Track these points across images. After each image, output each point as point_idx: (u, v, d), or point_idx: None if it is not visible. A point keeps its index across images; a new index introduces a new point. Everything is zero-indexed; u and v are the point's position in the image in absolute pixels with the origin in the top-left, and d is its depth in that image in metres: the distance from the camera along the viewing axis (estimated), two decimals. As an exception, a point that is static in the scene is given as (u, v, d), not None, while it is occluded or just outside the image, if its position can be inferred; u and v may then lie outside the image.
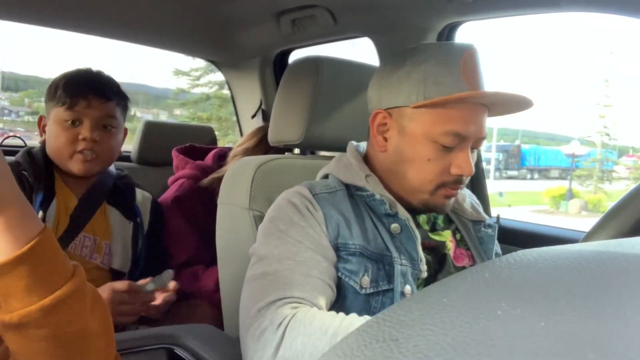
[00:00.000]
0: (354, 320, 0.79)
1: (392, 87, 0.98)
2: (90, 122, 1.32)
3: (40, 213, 1.27)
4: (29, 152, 1.38)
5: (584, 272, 0.30)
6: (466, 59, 0.93)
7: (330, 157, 1.16)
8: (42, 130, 1.40)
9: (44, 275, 0.56)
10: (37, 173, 1.32)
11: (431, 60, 0.94)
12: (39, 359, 0.57)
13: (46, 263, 0.56)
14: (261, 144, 1.68)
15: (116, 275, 1.40)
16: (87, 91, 1.32)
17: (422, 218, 1.04)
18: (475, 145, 0.98)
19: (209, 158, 1.82)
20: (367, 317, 0.80)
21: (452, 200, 1.00)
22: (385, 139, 1.00)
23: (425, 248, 0.98)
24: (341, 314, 0.81)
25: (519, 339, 0.24)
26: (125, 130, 1.47)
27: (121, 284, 1.20)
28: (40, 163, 1.34)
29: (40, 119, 1.42)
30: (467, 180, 1.00)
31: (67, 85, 1.32)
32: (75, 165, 1.33)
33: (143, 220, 1.51)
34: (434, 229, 1.05)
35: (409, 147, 0.96)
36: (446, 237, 1.04)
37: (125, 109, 1.43)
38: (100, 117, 1.34)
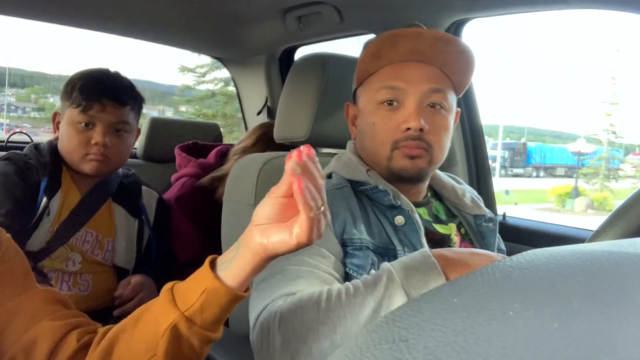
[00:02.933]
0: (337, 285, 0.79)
1: (354, 78, 1.07)
2: (103, 127, 1.33)
3: (45, 199, 1.29)
4: (36, 146, 1.40)
5: (597, 273, 0.30)
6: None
7: (335, 155, 1.16)
8: (56, 127, 1.41)
9: (223, 318, 0.68)
10: (42, 162, 1.34)
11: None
12: None
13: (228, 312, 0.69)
14: (259, 143, 1.68)
15: (120, 272, 1.41)
16: (103, 95, 1.32)
17: (423, 210, 1.04)
18: (431, 98, 0.96)
19: (212, 156, 1.82)
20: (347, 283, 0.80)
21: (421, 162, 0.96)
22: (357, 127, 1.07)
23: (429, 241, 0.97)
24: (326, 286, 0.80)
25: (531, 341, 0.23)
26: (138, 130, 1.48)
27: None
28: (45, 154, 1.36)
29: (55, 115, 1.42)
30: (435, 143, 0.96)
31: (83, 88, 1.32)
32: (86, 166, 1.34)
33: (149, 218, 1.51)
34: (437, 221, 1.05)
35: (363, 121, 1.02)
36: (451, 230, 1.04)
37: (139, 111, 1.44)
38: (114, 122, 1.35)
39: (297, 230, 0.61)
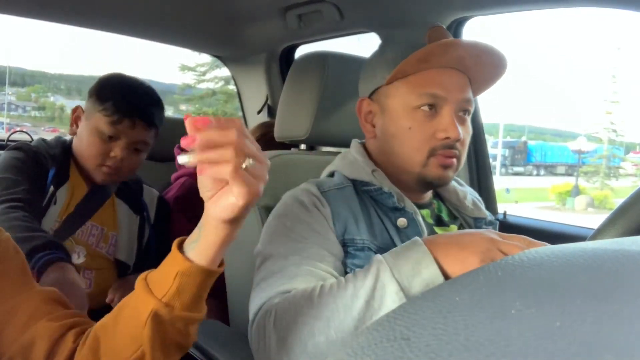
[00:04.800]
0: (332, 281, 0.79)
1: (369, 74, 1.03)
2: (125, 143, 1.33)
3: (52, 188, 1.30)
4: (44, 139, 1.42)
5: (599, 271, 0.29)
6: (431, 33, 0.97)
7: (336, 153, 1.15)
8: (74, 122, 1.39)
9: (203, 296, 0.68)
10: (50, 154, 1.34)
11: (399, 40, 1.00)
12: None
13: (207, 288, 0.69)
14: (259, 142, 1.67)
15: (121, 266, 1.42)
16: (136, 114, 1.32)
17: (426, 212, 1.03)
18: (463, 107, 0.97)
19: None
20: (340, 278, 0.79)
21: (451, 171, 0.98)
22: (373, 126, 1.03)
23: None
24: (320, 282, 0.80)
25: (534, 339, 0.23)
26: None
27: None
28: (54, 147, 1.37)
29: (76, 109, 1.40)
30: (463, 150, 0.98)
31: (119, 101, 1.31)
32: (98, 176, 1.35)
33: (150, 215, 1.53)
34: (439, 223, 1.05)
35: (392, 123, 0.98)
36: (452, 231, 1.04)
37: (158, 133, 1.44)
38: (137, 141, 1.35)
39: (236, 191, 0.59)
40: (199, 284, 0.66)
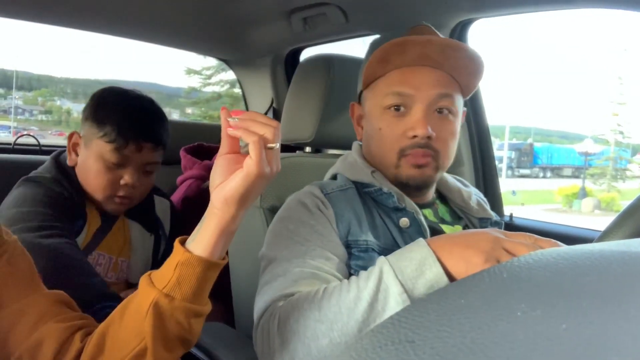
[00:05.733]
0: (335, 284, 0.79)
1: (359, 80, 1.06)
2: (135, 168, 1.22)
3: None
4: (66, 173, 1.24)
5: (606, 273, 0.29)
6: (412, 32, 0.98)
7: (341, 156, 1.15)
8: (72, 150, 1.25)
9: (204, 289, 0.70)
10: (78, 197, 1.22)
11: (380, 44, 1.00)
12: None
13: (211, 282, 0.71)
14: None
15: (131, 287, 1.34)
16: (141, 137, 1.20)
17: (428, 212, 1.03)
18: (439, 103, 0.95)
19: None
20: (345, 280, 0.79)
21: (429, 170, 0.96)
22: (362, 128, 1.06)
23: None
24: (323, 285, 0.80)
25: (539, 341, 0.23)
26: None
27: None
28: (78, 187, 1.23)
29: (72, 136, 1.25)
30: (442, 149, 0.96)
31: (120, 125, 1.18)
32: (109, 206, 1.25)
33: (165, 231, 1.44)
34: (443, 223, 1.05)
35: (368, 125, 1.02)
36: (458, 231, 1.04)
37: (166, 147, 1.32)
38: (146, 163, 1.24)
39: (247, 161, 0.64)
40: (199, 275, 0.67)
